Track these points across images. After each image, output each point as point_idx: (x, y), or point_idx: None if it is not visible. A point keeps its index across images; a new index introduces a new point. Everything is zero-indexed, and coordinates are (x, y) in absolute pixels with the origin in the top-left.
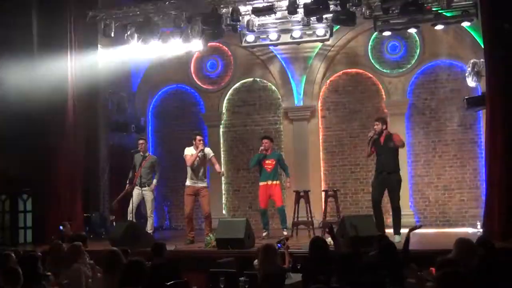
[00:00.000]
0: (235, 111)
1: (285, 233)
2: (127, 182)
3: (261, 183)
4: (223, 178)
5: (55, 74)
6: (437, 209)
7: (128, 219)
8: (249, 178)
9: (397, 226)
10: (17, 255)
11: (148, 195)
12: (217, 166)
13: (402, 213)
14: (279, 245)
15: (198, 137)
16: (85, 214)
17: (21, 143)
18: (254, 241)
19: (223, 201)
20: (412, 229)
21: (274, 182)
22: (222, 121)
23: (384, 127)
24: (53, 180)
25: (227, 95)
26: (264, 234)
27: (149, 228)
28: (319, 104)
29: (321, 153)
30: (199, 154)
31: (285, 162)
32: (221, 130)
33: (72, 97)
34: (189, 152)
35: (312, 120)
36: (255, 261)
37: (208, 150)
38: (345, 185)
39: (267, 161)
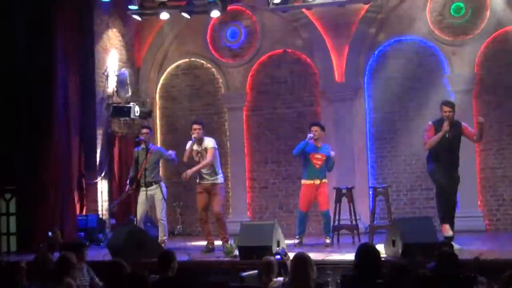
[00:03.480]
0: (262, 90)
1: (327, 241)
2: (127, 182)
3: (304, 182)
4: (247, 173)
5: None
6: None
7: (133, 224)
8: (279, 173)
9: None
10: None
11: (157, 194)
12: (204, 161)
13: (468, 215)
14: (278, 257)
15: (193, 125)
16: (80, 217)
17: (3, 132)
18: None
19: (246, 201)
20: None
21: (323, 181)
22: (246, 103)
23: (454, 113)
24: (42, 176)
25: (251, 71)
26: (297, 241)
27: (161, 235)
28: (366, 81)
29: (367, 140)
30: (193, 147)
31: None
32: (244, 113)
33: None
34: (188, 145)
35: (357, 100)
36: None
37: (207, 142)
38: (398, 180)
39: (316, 156)
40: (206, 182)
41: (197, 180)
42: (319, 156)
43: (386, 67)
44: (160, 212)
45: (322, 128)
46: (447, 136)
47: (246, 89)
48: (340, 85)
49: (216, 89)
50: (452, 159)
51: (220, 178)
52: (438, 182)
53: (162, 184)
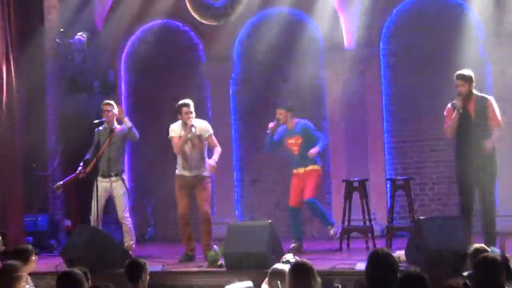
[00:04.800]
0: (254, 59)
1: (331, 232)
2: (80, 164)
3: (294, 171)
4: (234, 163)
5: None
6: None
7: (92, 224)
8: (275, 161)
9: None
10: None
11: (117, 188)
12: (212, 158)
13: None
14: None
15: (184, 109)
16: (27, 218)
17: None
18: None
19: (234, 197)
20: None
21: (308, 168)
22: (233, 75)
23: (469, 87)
24: None
25: (240, 35)
26: (293, 245)
27: (127, 239)
28: (381, 48)
29: (384, 122)
30: (188, 135)
31: (316, 130)
32: (231, 88)
33: (2, 43)
34: (175, 132)
35: (371, 71)
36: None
37: (203, 126)
38: (422, 171)
39: (290, 140)
40: (191, 174)
41: (177, 172)
42: (293, 141)
43: (408, 31)
44: (123, 210)
45: (289, 109)
46: (464, 114)
47: (233, 57)
48: (350, 53)
49: (196, 58)
50: (473, 145)
51: (207, 169)
52: (456, 173)
53: (124, 176)
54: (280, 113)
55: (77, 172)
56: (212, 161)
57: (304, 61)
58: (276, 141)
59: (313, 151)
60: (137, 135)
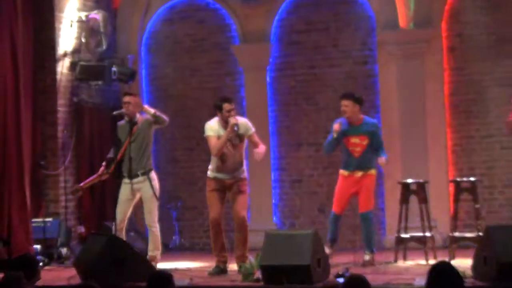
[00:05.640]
0: (294, 42)
1: (367, 257)
2: (103, 164)
3: (342, 172)
4: (272, 161)
5: None
6: None
7: (109, 232)
8: (318, 159)
9: None
10: None
11: (145, 190)
12: (260, 147)
13: None
14: (341, 280)
15: (226, 105)
16: (35, 223)
17: None
18: (329, 270)
19: (272, 201)
20: None
21: (368, 172)
22: (272, 59)
23: None
24: None
25: (279, 14)
26: (327, 251)
27: (152, 248)
28: (443, 27)
29: (446, 114)
30: (230, 136)
31: (381, 136)
32: (269, 75)
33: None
34: (214, 131)
35: (431, 56)
36: None
37: (244, 124)
38: (491, 172)
39: (353, 139)
40: (227, 177)
41: (209, 174)
42: (357, 140)
43: (474, 8)
44: (150, 215)
45: (357, 100)
46: None
47: (271, 39)
48: (406, 33)
49: (228, 40)
50: None
51: (246, 171)
52: None
53: (153, 175)
54: (346, 104)
55: (99, 172)
56: (260, 148)
57: (353, 42)
58: (337, 140)
59: (384, 161)
60: (166, 118)
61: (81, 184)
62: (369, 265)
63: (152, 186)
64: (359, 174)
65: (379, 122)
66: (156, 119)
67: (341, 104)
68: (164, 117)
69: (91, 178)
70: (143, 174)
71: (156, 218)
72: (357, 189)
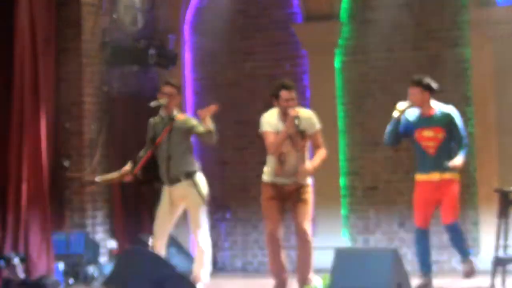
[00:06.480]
0: (367, 20)
1: (465, 267)
2: (130, 162)
3: (418, 177)
4: (342, 164)
5: None
6: None
7: (149, 247)
8: (398, 162)
9: None
10: None
11: (191, 196)
12: (321, 152)
13: None
14: None
15: (283, 93)
16: (57, 237)
17: None
18: None
19: (341, 211)
20: None
21: (446, 175)
22: (341, 41)
23: None
24: None
25: None
26: (422, 283)
27: (198, 267)
28: None
29: None
30: (290, 132)
31: (462, 126)
32: (337, 60)
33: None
34: (271, 125)
35: None
36: None
37: (308, 118)
38: None
39: (425, 132)
40: (286, 181)
41: (265, 178)
42: (430, 133)
43: None
44: (198, 227)
45: (426, 87)
46: None
47: (340, 17)
48: (505, 11)
49: (289, 17)
50: None
51: (309, 176)
52: None
53: (200, 177)
54: (414, 92)
55: (122, 171)
56: (309, 165)
57: (440, 21)
58: (401, 133)
59: (458, 162)
60: (215, 138)
61: (97, 179)
62: (472, 274)
63: (199, 192)
64: (435, 176)
65: (472, 117)
66: (206, 135)
67: (409, 93)
68: (215, 138)
69: (111, 175)
70: (186, 177)
71: (205, 230)
72: (439, 196)
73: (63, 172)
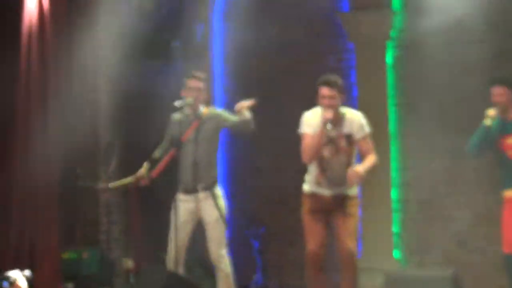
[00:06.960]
0: (426, 8)
1: None
2: (145, 164)
3: (506, 193)
4: (393, 174)
5: None
6: None
7: (167, 267)
8: (457, 173)
9: None
10: None
11: (209, 209)
12: (370, 158)
13: None
14: None
15: (322, 89)
16: (66, 254)
17: None
18: None
19: (392, 229)
20: None
21: None
22: (394, 33)
23: None
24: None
25: None
26: None
27: None
28: None
29: None
30: (326, 129)
31: None
32: (389, 55)
33: None
34: (311, 126)
35: None
36: None
37: (355, 121)
38: None
39: (510, 140)
40: (330, 194)
41: (306, 187)
42: None
43: None
44: (217, 245)
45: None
46: None
47: (393, 5)
48: None
49: (333, 6)
50: None
51: (357, 187)
52: None
53: (219, 190)
54: (500, 93)
55: (137, 175)
56: (360, 168)
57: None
58: (484, 141)
59: None
60: (252, 128)
61: (110, 185)
62: None
63: (218, 206)
64: None
65: None
66: (243, 123)
67: (492, 93)
68: (252, 125)
69: (126, 179)
70: (205, 189)
71: (224, 249)
72: None
73: (75, 181)
